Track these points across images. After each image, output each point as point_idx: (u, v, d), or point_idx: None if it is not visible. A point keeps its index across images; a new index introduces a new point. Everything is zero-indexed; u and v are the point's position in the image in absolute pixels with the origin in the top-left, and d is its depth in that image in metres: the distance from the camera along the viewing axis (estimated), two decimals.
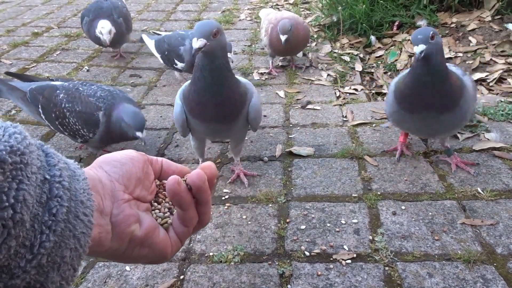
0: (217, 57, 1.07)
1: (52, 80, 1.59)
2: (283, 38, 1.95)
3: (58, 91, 1.45)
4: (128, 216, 0.48)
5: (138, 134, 1.38)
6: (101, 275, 1.04)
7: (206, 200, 0.53)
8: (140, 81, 2.17)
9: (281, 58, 2.34)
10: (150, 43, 2.09)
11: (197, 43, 1.02)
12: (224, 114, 1.16)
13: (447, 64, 1.24)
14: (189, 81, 1.21)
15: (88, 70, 2.29)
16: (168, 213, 0.54)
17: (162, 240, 0.51)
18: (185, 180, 0.52)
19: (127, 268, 1.06)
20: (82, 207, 0.41)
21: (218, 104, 1.13)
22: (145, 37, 2.16)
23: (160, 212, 0.54)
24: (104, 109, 1.40)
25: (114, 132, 1.41)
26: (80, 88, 1.45)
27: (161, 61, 2.05)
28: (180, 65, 1.91)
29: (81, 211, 0.41)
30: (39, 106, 1.46)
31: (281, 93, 1.98)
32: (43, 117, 1.48)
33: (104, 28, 2.15)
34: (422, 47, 1.12)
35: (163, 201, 0.55)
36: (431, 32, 1.14)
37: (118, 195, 0.49)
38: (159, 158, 0.57)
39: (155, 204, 0.55)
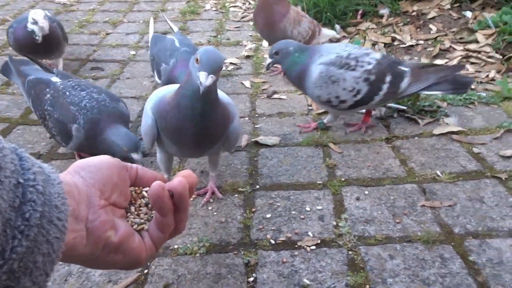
0: (214, 91, 0.97)
1: (53, 72, 1.47)
2: None
3: (47, 89, 1.34)
4: (104, 222, 0.48)
5: (134, 156, 1.19)
6: (62, 273, 1.01)
7: (185, 207, 0.54)
8: (103, 74, 2.11)
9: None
10: (151, 33, 1.92)
11: (208, 80, 0.89)
12: (203, 143, 1.07)
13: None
14: (164, 93, 1.08)
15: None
16: (145, 219, 0.55)
17: (137, 246, 0.52)
18: None
19: None
20: (56, 211, 0.41)
21: (199, 134, 1.02)
22: (151, 22, 1.98)
23: (136, 219, 0.54)
24: (81, 123, 1.24)
25: (97, 148, 1.23)
26: (67, 93, 1.30)
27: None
28: (156, 79, 1.77)
29: (55, 216, 0.40)
30: (30, 100, 1.41)
31: (247, 83, 1.97)
32: (33, 110, 1.43)
33: (37, 14, 1.75)
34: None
35: (139, 207, 0.56)
36: None
37: (94, 200, 0.49)
38: (134, 165, 0.57)
39: (131, 210, 0.55)
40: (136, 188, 0.57)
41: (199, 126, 0.99)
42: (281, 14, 1.82)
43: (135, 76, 2.08)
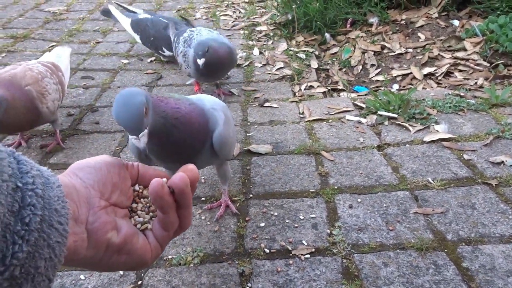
0: (162, 121, 0.81)
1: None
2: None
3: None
4: (105, 223, 0.48)
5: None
6: (54, 286, 0.99)
7: (188, 203, 0.53)
8: (93, 83, 2.10)
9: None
10: (124, 21, 2.21)
11: (140, 143, 0.70)
12: (181, 157, 0.93)
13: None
14: None
15: None
16: (148, 218, 0.54)
17: (142, 246, 0.51)
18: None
19: (82, 276, 1.02)
20: (56, 215, 0.40)
21: (174, 151, 0.90)
22: (115, 11, 2.24)
23: (139, 218, 0.53)
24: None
25: None
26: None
27: (139, 41, 2.22)
28: (167, 53, 2.07)
29: (56, 220, 0.40)
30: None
31: (239, 92, 1.98)
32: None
33: None
34: None
35: (143, 206, 0.55)
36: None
37: (94, 202, 0.48)
38: (135, 163, 0.56)
39: (135, 209, 0.54)
40: (140, 186, 0.56)
41: (171, 144, 0.88)
42: None
43: (127, 85, 2.07)
